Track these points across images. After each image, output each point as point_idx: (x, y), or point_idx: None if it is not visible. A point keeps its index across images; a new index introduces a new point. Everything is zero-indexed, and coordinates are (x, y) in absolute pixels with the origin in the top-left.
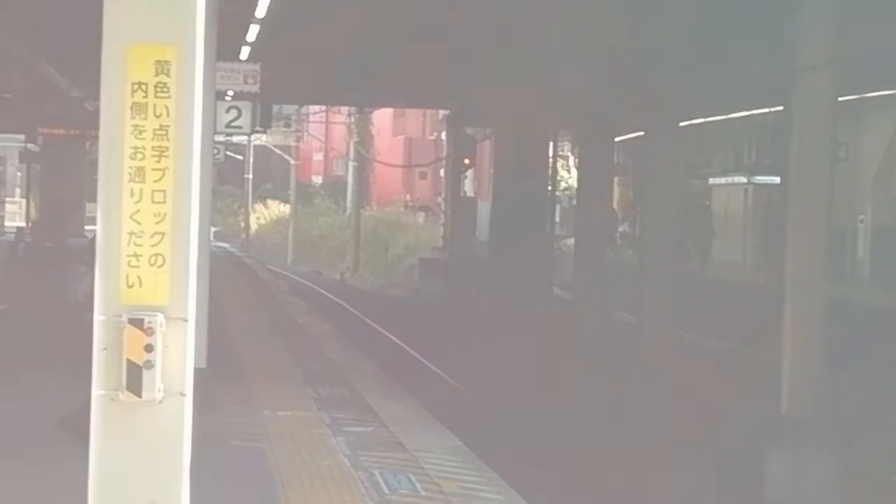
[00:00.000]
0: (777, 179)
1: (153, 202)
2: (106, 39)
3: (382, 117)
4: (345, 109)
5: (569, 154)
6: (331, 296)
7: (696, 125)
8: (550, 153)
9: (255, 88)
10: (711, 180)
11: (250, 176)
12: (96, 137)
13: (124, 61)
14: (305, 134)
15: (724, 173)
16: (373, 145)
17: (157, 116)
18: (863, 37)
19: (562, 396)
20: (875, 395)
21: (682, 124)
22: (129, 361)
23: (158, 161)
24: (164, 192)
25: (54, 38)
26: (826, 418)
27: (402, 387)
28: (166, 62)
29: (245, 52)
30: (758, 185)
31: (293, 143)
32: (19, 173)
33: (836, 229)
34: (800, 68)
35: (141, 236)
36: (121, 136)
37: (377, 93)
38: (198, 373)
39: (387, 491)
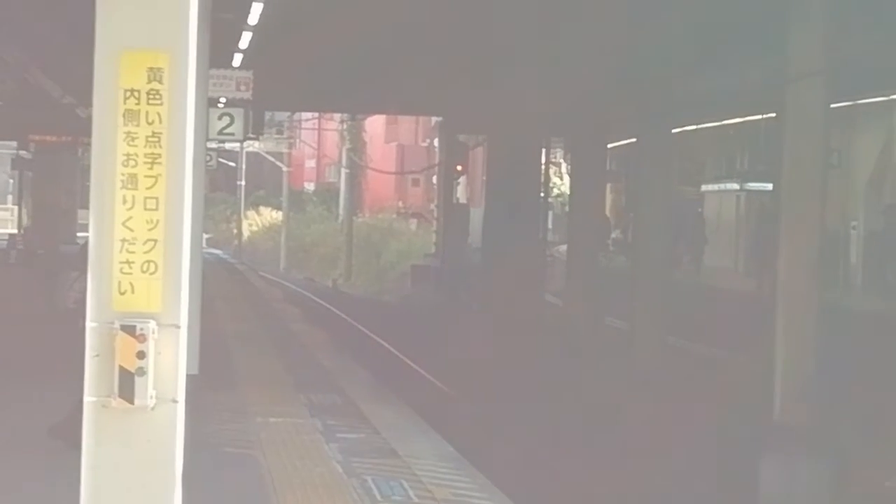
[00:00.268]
0: (770, 186)
1: (145, 209)
2: (98, 46)
3: (375, 124)
4: (337, 116)
5: (561, 160)
6: (323, 303)
7: (689, 131)
8: (543, 160)
9: (247, 95)
10: (704, 187)
11: (243, 183)
12: (88, 144)
13: (117, 68)
14: (298, 141)
15: (717, 180)
16: (365, 152)
17: (150, 123)
18: (855, 44)
19: (554, 402)
20: (868, 402)
21: (674, 131)
22: (121, 368)
23: (151, 168)
24: (156, 198)
25: (46, 44)
26: (819, 425)
27: (394, 393)
28: (159, 69)
29: (237, 59)
30: (750, 192)
31: (285, 150)
32: (11, 180)
33: (829, 236)
34: (792, 75)
35: (133, 243)
36: (113, 143)
37: (369, 100)
38: (190, 379)
39: (379, 497)
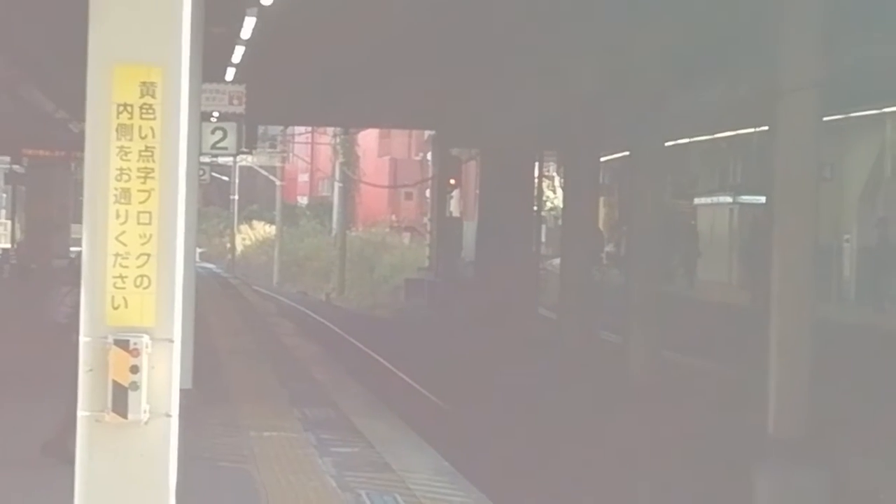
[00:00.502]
0: (762, 199)
1: (139, 223)
2: (91, 61)
3: (368, 138)
4: (330, 130)
5: (554, 174)
6: (317, 317)
7: (682, 145)
8: (536, 173)
9: (240, 109)
10: (697, 200)
11: (236, 197)
12: (82, 159)
13: (110, 83)
14: (291, 155)
15: (710, 193)
16: (358, 166)
17: (143, 138)
18: (846, 57)
19: (548, 416)
20: (862, 415)
21: (667, 144)
22: (114, 382)
23: (144, 182)
24: (149, 213)
25: (39, 59)
26: (813, 437)
27: (388, 407)
28: (152, 83)
29: (230, 74)
30: (743, 205)
31: (278, 164)
32: (4, 195)
33: (822, 249)
34: (784, 89)
35: (126, 258)
36: (106, 158)
37: (362, 113)
38: (184, 393)
39: None
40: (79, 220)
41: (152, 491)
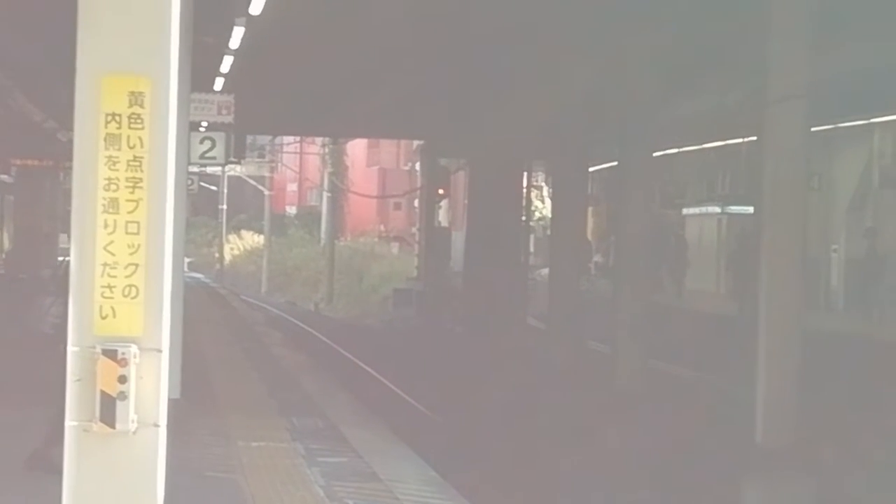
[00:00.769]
0: (751, 209)
1: (127, 233)
2: (79, 70)
3: (356, 148)
4: (319, 140)
5: (543, 184)
6: (305, 326)
7: (670, 155)
8: (524, 183)
9: (229, 119)
10: (685, 210)
11: (224, 206)
12: (70, 168)
13: (98, 92)
14: (279, 164)
15: (698, 203)
16: (347, 176)
17: (131, 147)
18: (834, 67)
19: (536, 426)
20: (850, 424)
21: (655, 154)
22: (102, 392)
23: (132, 192)
24: (137, 223)
25: (28, 69)
26: (801, 447)
27: (376, 417)
28: (140, 93)
29: (219, 83)
30: (732, 215)
31: (267, 174)
32: None
33: (810, 259)
34: (772, 99)
35: (115, 267)
36: (94, 168)
37: (351, 123)
38: (172, 403)
39: None
40: (67, 230)
41: (140, 501)
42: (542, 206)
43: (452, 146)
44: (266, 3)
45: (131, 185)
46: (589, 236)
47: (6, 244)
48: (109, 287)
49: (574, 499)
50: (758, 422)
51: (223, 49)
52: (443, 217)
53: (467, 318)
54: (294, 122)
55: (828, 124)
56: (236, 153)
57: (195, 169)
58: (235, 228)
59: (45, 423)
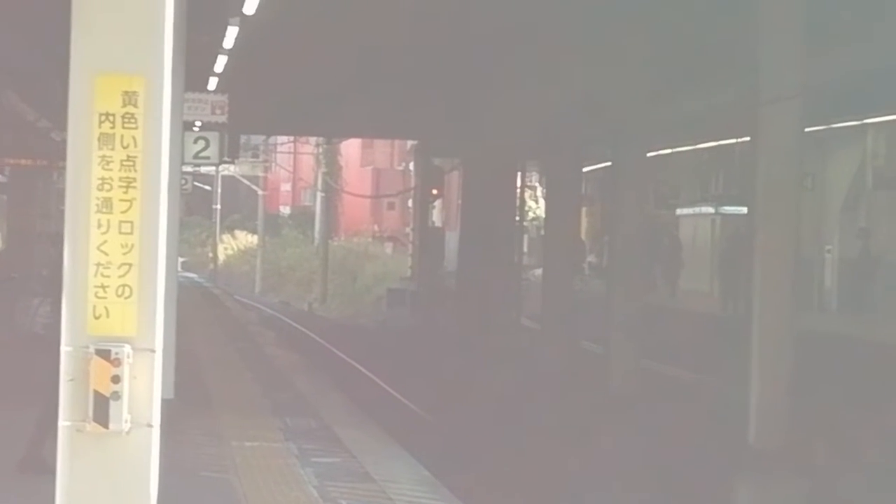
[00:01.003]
0: (744, 210)
1: (120, 233)
2: (73, 70)
3: (350, 148)
4: (313, 140)
5: (536, 184)
6: (299, 326)
7: (664, 155)
8: (518, 183)
9: (222, 119)
10: (679, 210)
11: (218, 206)
12: (64, 168)
13: (91, 92)
14: (273, 164)
15: (692, 203)
16: (341, 176)
17: (125, 147)
18: (828, 67)
19: (529, 427)
20: (843, 425)
21: (649, 154)
22: (95, 392)
23: (126, 192)
24: (131, 223)
25: (21, 68)
26: (794, 448)
27: (370, 417)
28: (134, 93)
29: (213, 83)
30: (725, 216)
31: (261, 174)
32: None
33: (804, 260)
34: (765, 100)
35: (108, 267)
36: (88, 167)
37: (345, 123)
38: (165, 403)
39: None
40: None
41: (133, 501)
42: (536, 207)
43: (446, 146)
44: (260, 2)
45: (125, 184)
46: (583, 237)
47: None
48: (103, 287)
49: (567, 500)
50: (750, 423)
51: (217, 49)
52: (437, 217)
53: (461, 318)
54: (288, 122)
55: (821, 125)
56: (230, 153)
57: (189, 169)
58: (229, 228)
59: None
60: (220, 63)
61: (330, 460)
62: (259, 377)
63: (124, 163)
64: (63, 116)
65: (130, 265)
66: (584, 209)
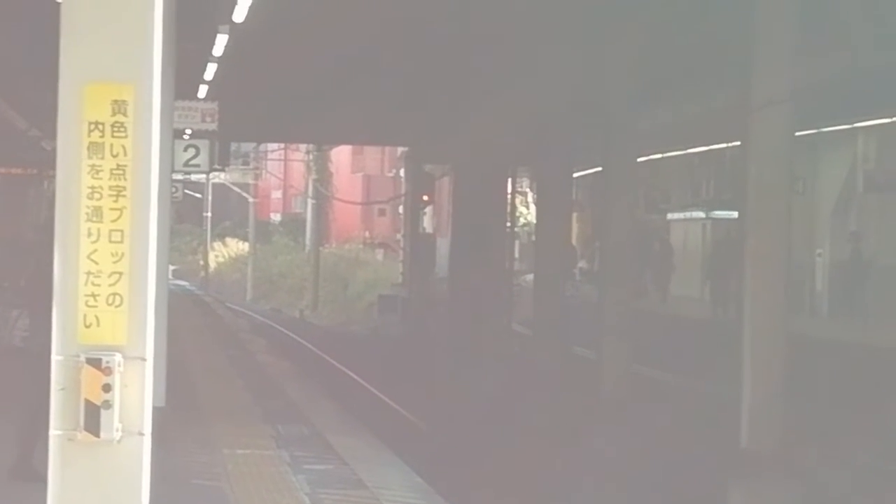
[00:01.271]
0: (735, 214)
1: (111, 241)
2: (63, 78)
3: (341, 154)
4: (303, 147)
5: (527, 190)
6: (290, 333)
7: (654, 160)
8: (509, 189)
9: (213, 127)
10: (670, 215)
11: (209, 214)
12: (54, 177)
13: (81, 100)
14: (264, 172)
15: (683, 208)
16: (331, 182)
17: (115, 156)
18: (818, 72)
19: (522, 432)
20: (834, 428)
21: (639, 160)
22: (86, 401)
23: (116, 200)
24: (121, 231)
25: (11, 76)
26: (786, 452)
27: (362, 424)
28: (123, 101)
29: (203, 91)
30: (716, 220)
31: (252, 181)
32: None
33: (795, 264)
34: (756, 104)
35: (98, 276)
36: (78, 176)
37: (335, 130)
38: (156, 411)
39: None
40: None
41: None
42: (527, 212)
43: (437, 152)
44: (249, 10)
45: (115, 193)
46: (574, 242)
47: None
48: (93, 295)
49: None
50: (743, 426)
51: (207, 57)
52: (427, 223)
53: (452, 324)
54: (278, 129)
55: (812, 129)
56: (220, 161)
57: (179, 176)
58: (220, 236)
59: (22, 434)
60: (210, 71)
61: (322, 467)
62: (250, 385)
63: (114, 171)
64: (52, 125)
65: (121, 274)
66: (574, 214)
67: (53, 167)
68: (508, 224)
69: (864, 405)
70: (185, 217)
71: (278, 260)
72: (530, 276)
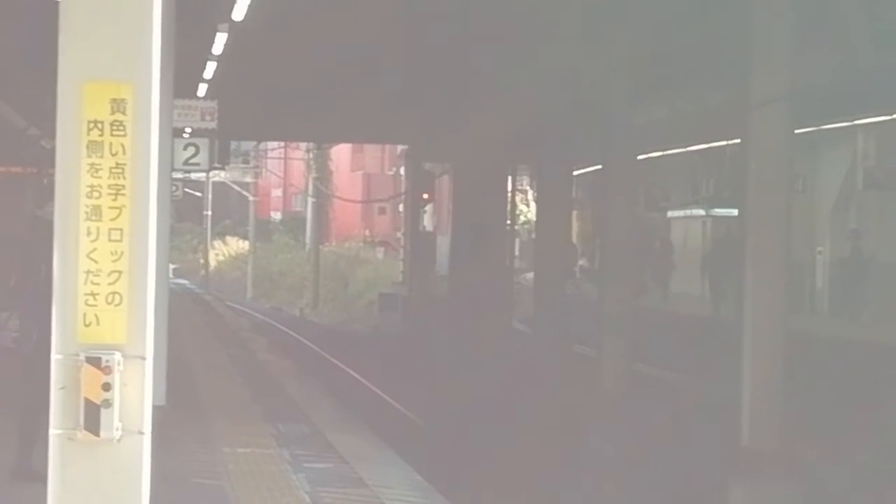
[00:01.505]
0: (735, 212)
1: (110, 240)
2: (61, 77)
3: (341, 153)
4: (303, 145)
5: (528, 188)
6: (290, 332)
7: (654, 158)
8: (509, 187)
9: (212, 125)
10: (670, 213)
11: (209, 212)
12: (53, 176)
13: (80, 99)
14: (264, 170)
15: (683, 206)
16: (331, 181)
17: (114, 155)
18: (818, 69)
19: (522, 430)
20: (835, 426)
21: (639, 157)
22: (86, 400)
23: (115, 199)
24: (120, 230)
25: (10, 75)
26: (787, 450)
27: (362, 422)
28: (122, 100)
29: (203, 89)
30: (716, 218)
31: (252, 180)
32: None
33: (795, 261)
34: (756, 102)
35: (98, 275)
36: (77, 175)
37: (335, 128)
38: (157, 410)
39: None
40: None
41: None
42: (527, 210)
43: (437, 151)
44: (249, 9)
45: (114, 192)
46: (574, 240)
47: None
48: (93, 294)
49: (561, 502)
50: (743, 424)
51: (206, 55)
52: (428, 221)
53: (453, 322)
54: (278, 128)
55: (812, 126)
56: (220, 159)
57: (179, 175)
58: (220, 234)
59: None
60: (210, 69)
61: (322, 466)
62: (251, 383)
63: (113, 170)
64: (53, 124)
65: (120, 272)
66: (575, 213)
67: (52, 165)
68: (509, 222)
69: (865, 403)
70: (186, 215)
71: (278, 258)
72: (531, 275)
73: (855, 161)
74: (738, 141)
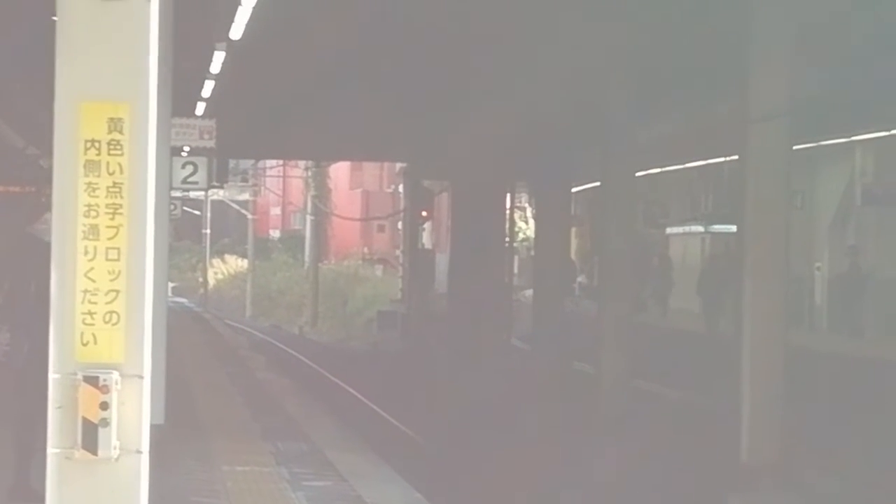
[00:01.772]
0: (734, 228)
1: (107, 259)
2: (58, 96)
3: (339, 171)
4: (302, 163)
5: (526, 205)
6: (290, 350)
7: (653, 175)
8: (508, 204)
9: (210, 144)
10: (669, 229)
11: (208, 231)
12: (50, 195)
13: (77, 118)
14: (262, 188)
15: (682, 222)
16: (330, 199)
17: (111, 174)
18: (816, 86)
19: (522, 449)
20: (834, 442)
21: (638, 174)
22: (84, 419)
23: (112, 218)
24: (118, 249)
25: (9, 95)
26: (786, 466)
27: (361, 440)
28: (119, 119)
29: (201, 108)
30: (715, 234)
31: (250, 198)
32: None
33: (794, 277)
34: (754, 118)
35: (95, 294)
36: (74, 194)
37: (334, 146)
38: (155, 429)
39: None
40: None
41: None
42: (526, 227)
43: (435, 168)
44: (246, 27)
45: (111, 211)
46: (573, 257)
47: None
48: (90, 313)
49: None
50: (743, 441)
51: (204, 74)
52: (426, 239)
53: (452, 339)
54: (276, 146)
55: (810, 143)
56: (219, 177)
57: (178, 194)
58: (219, 253)
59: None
60: (208, 88)
61: (321, 484)
62: (250, 401)
63: (110, 189)
64: (51, 143)
65: (118, 291)
66: (573, 229)
67: (50, 184)
68: (507, 239)
69: (864, 418)
70: (185, 234)
71: (277, 276)
72: (529, 292)
73: (853, 177)
74: (736, 157)
